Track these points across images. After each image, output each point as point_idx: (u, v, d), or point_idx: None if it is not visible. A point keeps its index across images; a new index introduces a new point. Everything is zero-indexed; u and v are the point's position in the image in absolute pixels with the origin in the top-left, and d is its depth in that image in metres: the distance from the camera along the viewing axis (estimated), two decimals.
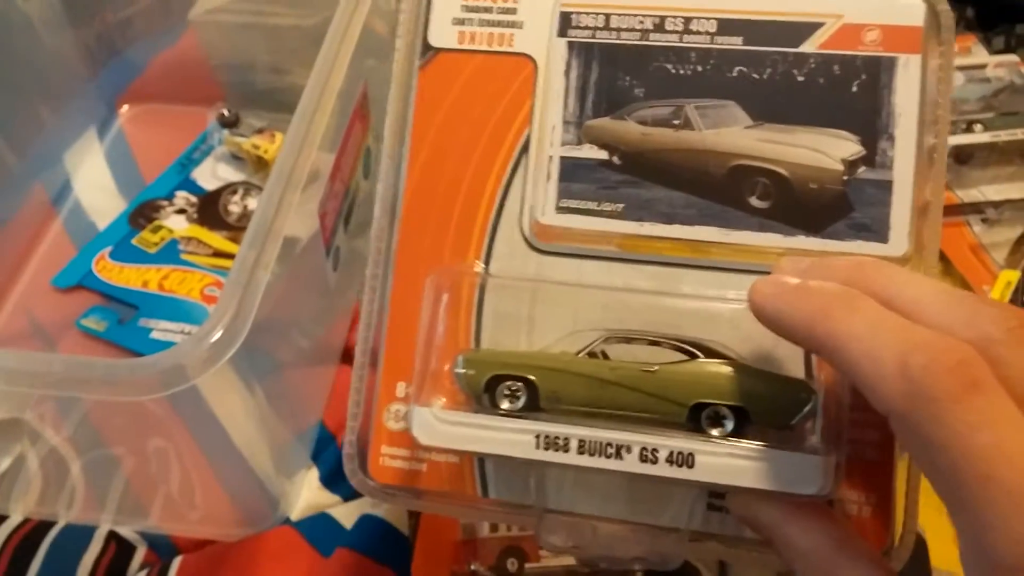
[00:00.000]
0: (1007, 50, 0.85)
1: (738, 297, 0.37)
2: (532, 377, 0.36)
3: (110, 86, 0.86)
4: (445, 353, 0.38)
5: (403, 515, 0.59)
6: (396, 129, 0.41)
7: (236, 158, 0.82)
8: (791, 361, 0.37)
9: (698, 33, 0.40)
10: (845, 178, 0.38)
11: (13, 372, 0.43)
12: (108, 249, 0.75)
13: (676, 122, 0.39)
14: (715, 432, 0.35)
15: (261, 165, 0.79)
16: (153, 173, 0.81)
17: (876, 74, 0.38)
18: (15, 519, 0.60)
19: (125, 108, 0.87)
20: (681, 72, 0.40)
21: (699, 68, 0.40)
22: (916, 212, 0.37)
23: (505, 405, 0.36)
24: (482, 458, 0.40)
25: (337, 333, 0.69)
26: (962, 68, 0.77)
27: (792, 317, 0.31)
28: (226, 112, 0.82)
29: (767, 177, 0.38)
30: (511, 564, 0.53)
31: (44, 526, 0.59)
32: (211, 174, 0.81)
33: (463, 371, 0.37)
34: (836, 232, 0.38)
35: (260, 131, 0.80)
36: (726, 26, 0.39)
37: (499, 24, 0.41)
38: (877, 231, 0.37)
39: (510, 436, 0.35)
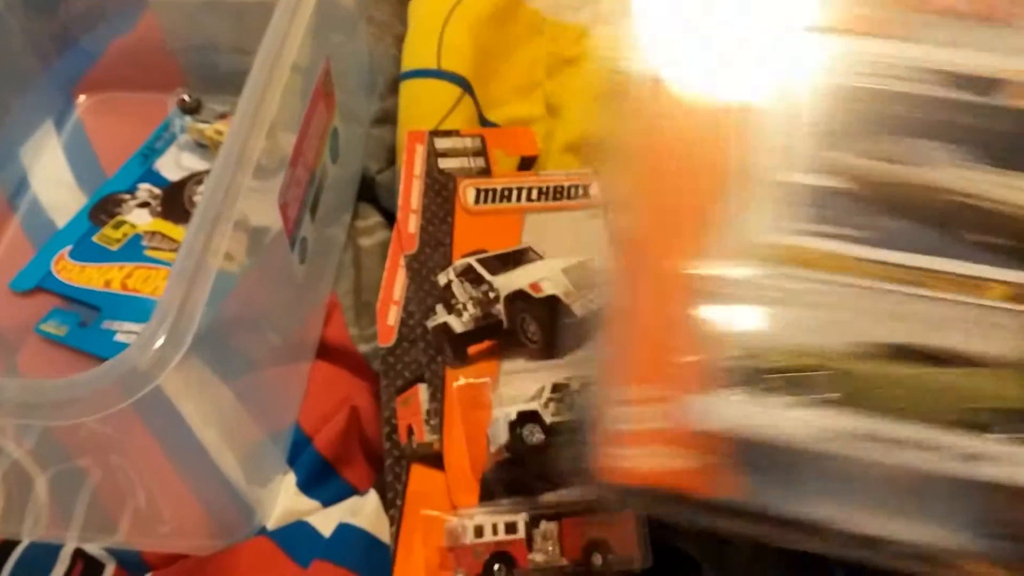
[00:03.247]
0: None
1: None
2: (823, 370, 0.36)
3: (66, 75, 0.83)
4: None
5: (383, 524, 0.56)
6: None
7: (201, 146, 0.78)
8: None
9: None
10: None
11: None
12: (68, 248, 0.72)
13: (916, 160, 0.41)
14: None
15: None
16: (114, 165, 0.78)
17: None
18: None
19: (82, 98, 0.83)
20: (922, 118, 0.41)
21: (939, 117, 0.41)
22: None
23: (786, 398, 0.36)
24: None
25: (310, 328, 0.66)
26: None
27: None
28: (187, 97, 0.79)
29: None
30: (499, 570, 0.51)
31: (7, 546, 0.57)
32: (175, 164, 0.78)
33: (741, 362, 0.36)
34: None
35: (223, 116, 0.77)
36: (965, 81, 0.41)
37: None
38: None
39: (808, 423, 0.35)
